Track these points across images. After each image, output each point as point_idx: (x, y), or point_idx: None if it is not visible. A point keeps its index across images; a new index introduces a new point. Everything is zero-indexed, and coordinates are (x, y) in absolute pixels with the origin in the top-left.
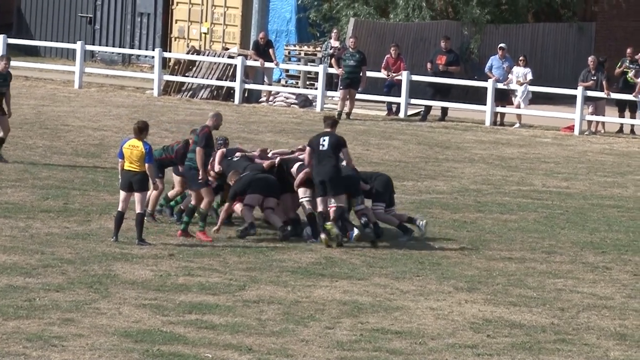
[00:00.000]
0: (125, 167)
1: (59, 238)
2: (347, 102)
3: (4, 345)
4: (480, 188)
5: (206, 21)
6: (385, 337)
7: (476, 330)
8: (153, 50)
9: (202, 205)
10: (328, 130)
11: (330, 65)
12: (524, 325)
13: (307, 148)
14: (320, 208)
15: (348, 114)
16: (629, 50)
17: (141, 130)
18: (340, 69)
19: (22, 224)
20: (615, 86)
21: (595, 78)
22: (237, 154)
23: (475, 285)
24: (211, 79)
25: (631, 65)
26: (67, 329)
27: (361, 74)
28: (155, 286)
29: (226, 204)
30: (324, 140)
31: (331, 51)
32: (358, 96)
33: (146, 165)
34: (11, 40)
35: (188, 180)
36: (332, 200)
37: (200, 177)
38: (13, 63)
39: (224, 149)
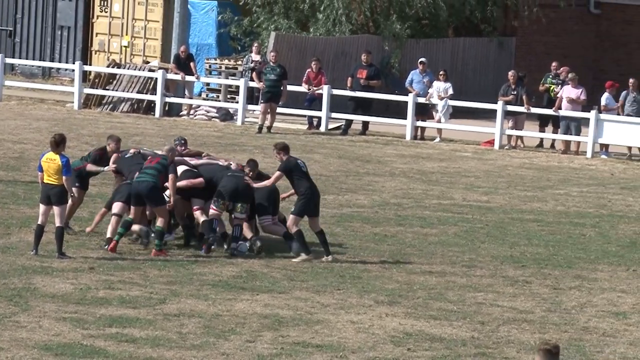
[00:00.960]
0: (45, 180)
1: None
2: (268, 116)
3: None
4: (400, 202)
5: (127, 34)
6: (306, 350)
7: (397, 344)
8: (73, 63)
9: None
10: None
11: (251, 79)
12: (444, 338)
13: (278, 172)
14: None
15: (269, 128)
16: (553, 65)
17: (57, 144)
18: (261, 83)
19: None
20: (539, 102)
21: (515, 92)
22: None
23: (395, 299)
24: (132, 92)
25: (553, 81)
26: None
27: (282, 88)
28: (76, 299)
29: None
30: (301, 163)
31: (252, 65)
32: (279, 110)
33: (63, 178)
34: None
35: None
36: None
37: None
38: None
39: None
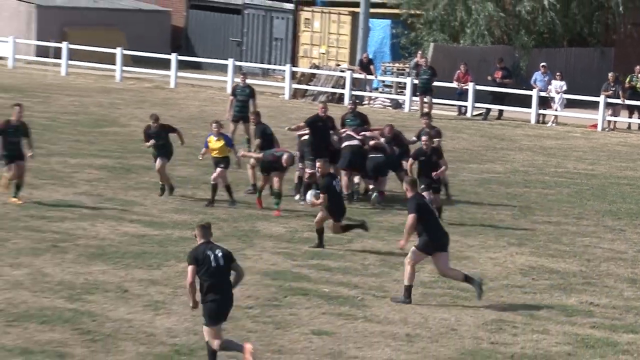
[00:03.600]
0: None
1: (218, 204)
2: (425, 105)
3: (175, 280)
4: (527, 170)
5: (324, 44)
6: None
7: (524, 275)
8: (285, 65)
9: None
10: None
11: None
12: (559, 271)
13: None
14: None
15: (427, 114)
16: (637, 68)
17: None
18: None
19: (189, 193)
20: (627, 94)
21: (613, 89)
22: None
23: (523, 242)
24: (327, 87)
25: (635, 79)
26: None
27: (432, 84)
28: (287, 239)
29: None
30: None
31: (415, 67)
32: (436, 100)
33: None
34: (181, 57)
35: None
36: None
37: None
38: (183, 74)
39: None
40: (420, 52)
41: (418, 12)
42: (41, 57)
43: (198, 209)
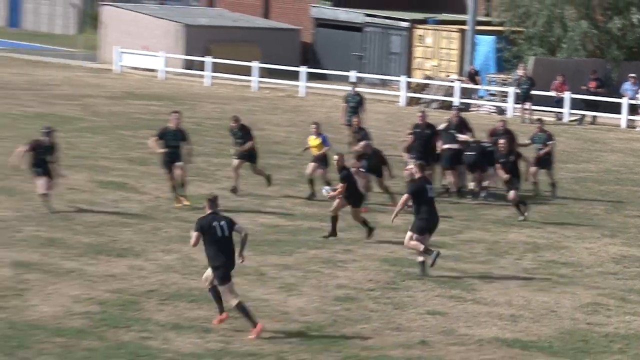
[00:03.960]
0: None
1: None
2: (526, 111)
3: (305, 265)
4: (618, 169)
5: (435, 58)
6: (555, 265)
7: (616, 263)
8: (401, 76)
9: None
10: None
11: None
12: None
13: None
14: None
15: (540, 120)
16: None
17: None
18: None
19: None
20: None
21: None
22: None
23: (615, 233)
24: (439, 95)
25: None
26: (347, 256)
27: (531, 92)
28: (404, 229)
29: None
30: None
31: (517, 78)
32: (536, 107)
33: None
34: (309, 70)
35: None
36: None
37: None
38: (311, 84)
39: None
40: (522, 64)
41: (519, 29)
42: (188, 69)
43: (326, 202)
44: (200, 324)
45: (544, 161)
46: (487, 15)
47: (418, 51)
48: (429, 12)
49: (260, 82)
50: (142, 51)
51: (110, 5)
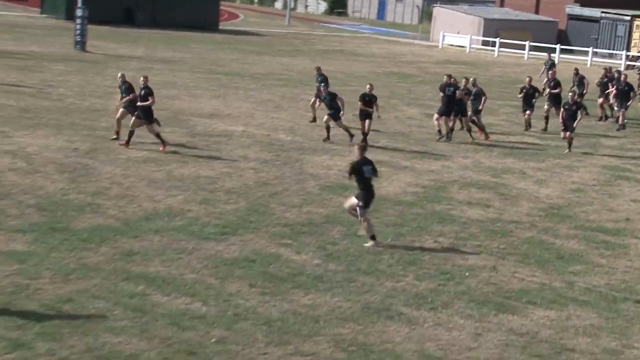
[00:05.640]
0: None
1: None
2: None
3: (552, 168)
4: None
5: None
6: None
7: None
8: (622, 51)
9: None
10: None
11: None
12: None
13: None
14: None
15: None
16: None
17: None
18: None
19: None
20: None
21: None
22: None
23: None
24: None
25: None
26: (579, 163)
27: None
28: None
29: None
30: None
31: None
32: None
33: None
34: (562, 47)
35: None
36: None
37: None
38: (563, 56)
39: None
40: None
41: None
42: (485, 47)
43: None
44: (482, 203)
45: None
46: None
47: (635, 35)
48: None
49: (530, 54)
50: (456, 35)
51: (439, 6)
